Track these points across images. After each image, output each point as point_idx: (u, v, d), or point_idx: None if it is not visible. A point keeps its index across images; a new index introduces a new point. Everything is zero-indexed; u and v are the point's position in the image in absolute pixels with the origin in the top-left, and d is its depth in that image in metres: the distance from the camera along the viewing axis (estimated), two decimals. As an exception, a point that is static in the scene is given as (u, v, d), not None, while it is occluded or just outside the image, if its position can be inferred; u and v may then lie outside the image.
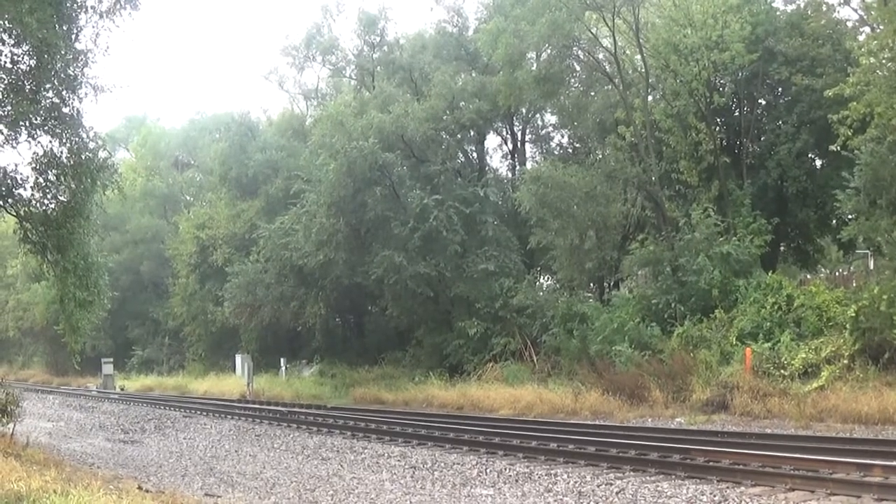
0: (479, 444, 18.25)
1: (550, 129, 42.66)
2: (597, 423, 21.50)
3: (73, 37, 18.14)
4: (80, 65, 18.18)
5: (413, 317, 35.98)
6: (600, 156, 34.86)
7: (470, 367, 31.52)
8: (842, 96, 22.81)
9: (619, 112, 30.77)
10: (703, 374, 22.31)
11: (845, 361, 20.23)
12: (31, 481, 10.57)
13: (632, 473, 14.02)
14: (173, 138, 68.14)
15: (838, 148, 23.35)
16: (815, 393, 19.48)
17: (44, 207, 19.08)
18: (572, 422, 21.85)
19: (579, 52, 31.87)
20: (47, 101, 18.26)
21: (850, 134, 23.04)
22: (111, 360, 53.70)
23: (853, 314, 20.57)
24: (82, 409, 36.90)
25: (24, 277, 60.06)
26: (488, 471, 15.32)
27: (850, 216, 25.09)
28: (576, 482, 13.56)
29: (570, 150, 40.16)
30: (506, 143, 42.70)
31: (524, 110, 39.07)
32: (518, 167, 40.17)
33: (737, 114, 31.39)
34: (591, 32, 30.50)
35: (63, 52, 17.45)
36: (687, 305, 25.60)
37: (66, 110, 18.33)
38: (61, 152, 18.52)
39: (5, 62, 17.96)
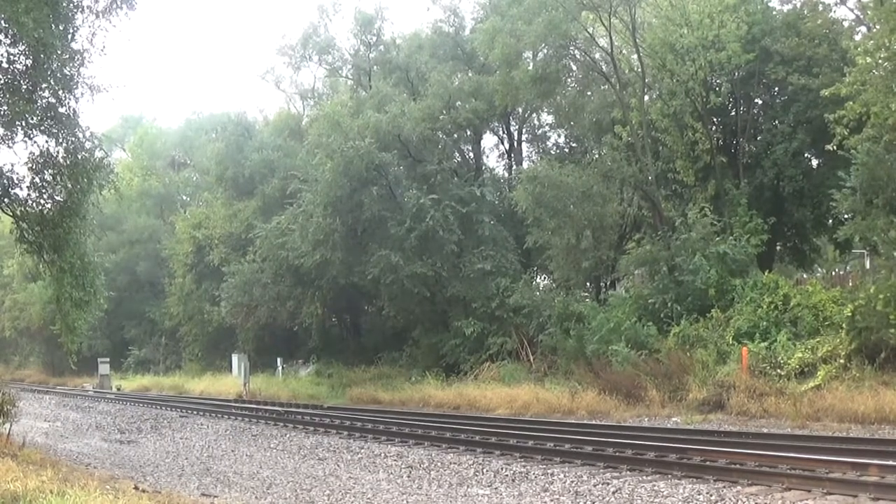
0: (476, 443, 18.26)
1: (547, 128, 42.72)
2: (593, 422, 21.51)
3: (70, 36, 18.12)
4: (76, 64, 18.17)
5: (409, 316, 35.98)
6: (597, 155, 34.90)
7: (466, 367, 31.53)
8: (838, 96, 22.82)
9: (615, 112, 30.77)
10: (700, 373, 22.33)
11: (842, 361, 20.26)
12: (28, 481, 10.55)
13: (628, 473, 14.02)
14: (170, 138, 68.13)
15: (835, 147, 23.37)
16: (812, 392, 19.50)
17: (40, 207, 19.08)
18: (569, 421, 21.85)
19: (576, 51, 31.87)
20: (43, 100, 18.26)
21: (846, 133, 23.05)
22: (108, 360, 53.69)
23: (849, 314, 20.59)
24: (79, 409, 36.87)
25: (20, 277, 59.93)
26: (485, 470, 15.32)
27: (846, 216, 25.09)
28: (572, 482, 13.57)
29: (567, 150, 40.21)
30: (502, 143, 42.75)
31: (520, 110, 39.06)
32: (514, 167, 40.21)
33: (733, 113, 31.44)
34: (588, 32, 30.52)
35: (59, 52, 17.44)
36: (683, 305, 25.61)
37: (62, 110, 18.32)
38: (57, 152, 18.53)
39: (1, 62, 17.95)
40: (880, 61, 22.60)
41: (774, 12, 30.46)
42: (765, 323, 23.04)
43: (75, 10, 18.10)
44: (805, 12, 29.33)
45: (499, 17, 32.29)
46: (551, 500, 12.54)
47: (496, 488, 13.79)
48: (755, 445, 15.24)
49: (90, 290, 19.11)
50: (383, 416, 25.13)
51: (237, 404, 32.98)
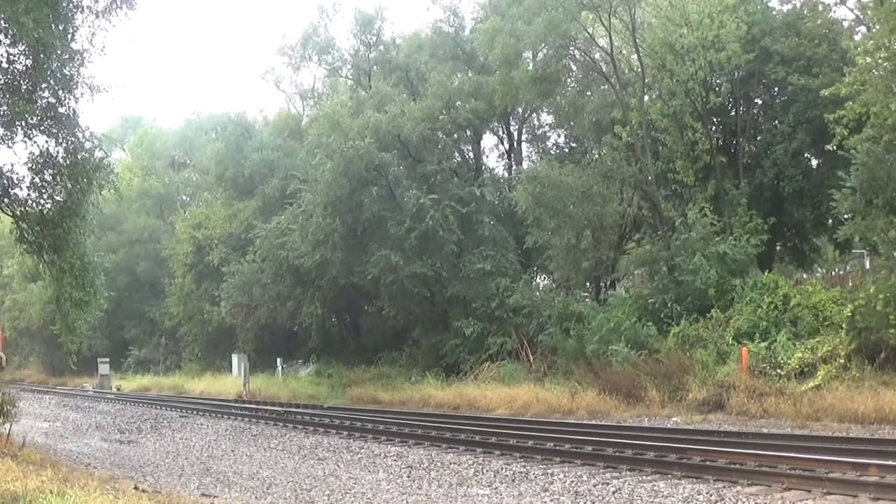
0: (476, 443, 18.25)
1: (547, 128, 42.73)
2: (593, 422, 21.51)
3: (70, 36, 18.10)
4: (76, 64, 18.16)
5: (409, 316, 35.98)
6: (597, 155, 34.89)
7: (466, 367, 31.53)
8: (838, 96, 22.83)
9: (615, 112, 30.77)
10: (700, 373, 22.33)
11: (841, 361, 20.26)
12: (28, 481, 10.54)
13: (628, 473, 14.02)
14: (169, 138, 68.18)
15: (834, 147, 23.38)
16: (812, 392, 19.50)
17: (40, 207, 19.06)
18: (569, 421, 21.85)
19: (576, 51, 31.87)
20: (43, 100, 18.24)
21: (846, 133, 23.05)
22: (108, 360, 53.69)
23: (849, 314, 20.59)
24: (79, 409, 36.85)
25: (20, 277, 59.95)
26: (485, 470, 15.32)
27: (846, 216, 25.10)
28: (572, 482, 13.56)
29: (567, 150, 40.21)
30: (502, 143, 42.75)
31: (520, 110, 39.07)
32: (514, 167, 40.21)
33: (733, 113, 31.43)
34: (588, 32, 30.52)
35: (59, 52, 17.43)
36: (683, 305, 25.61)
37: (62, 110, 18.30)
38: (57, 152, 18.51)
39: (1, 62, 17.94)
40: (880, 61, 22.61)
41: (774, 12, 30.47)
42: (765, 323, 23.04)
43: (75, 10, 18.08)
44: (805, 12, 29.33)
45: (499, 17, 32.29)
46: (551, 500, 12.53)
47: (496, 488, 13.79)
48: (755, 445, 15.23)
49: (90, 290, 19.08)
50: (383, 416, 25.13)
51: (237, 404, 32.97)
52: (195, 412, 31.44)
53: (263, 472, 16.79)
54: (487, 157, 43.92)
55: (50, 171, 18.62)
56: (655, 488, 12.61)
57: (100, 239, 30.17)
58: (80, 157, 18.31)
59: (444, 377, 31.39)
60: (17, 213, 19.10)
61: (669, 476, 13.38)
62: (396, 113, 34.21)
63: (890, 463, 12.36)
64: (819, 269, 35.51)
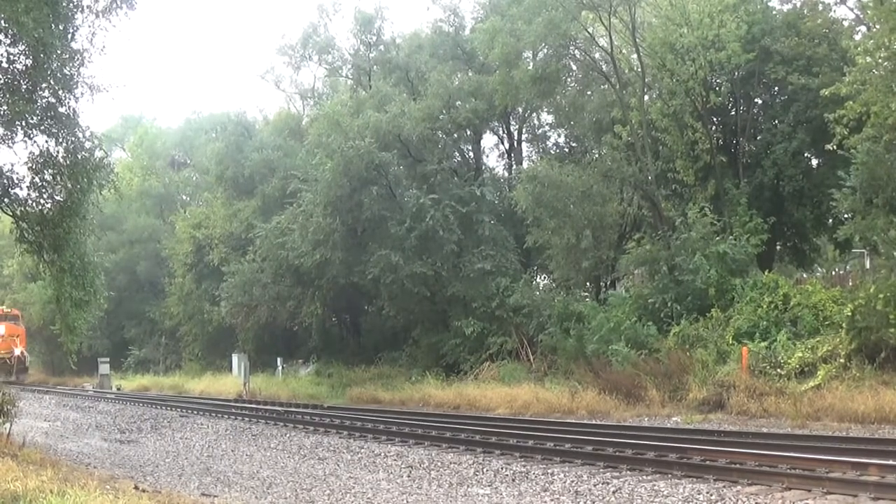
0: (476, 443, 18.23)
1: (547, 128, 42.78)
2: (593, 422, 21.50)
3: (70, 36, 18.08)
4: (76, 64, 18.13)
5: (410, 316, 35.98)
6: (597, 155, 34.94)
7: (466, 367, 31.53)
8: (838, 95, 22.84)
9: (615, 111, 30.78)
10: (700, 373, 22.33)
11: (842, 360, 20.25)
12: (28, 481, 10.54)
13: (628, 472, 14.00)
14: (169, 138, 68.17)
15: (834, 147, 23.40)
16: (812, 392, 19.50)
17: (40, 207, 19.03)
18: (569, 421, 21.84)
19: (576, 51, 31.91)
20: (43, 100, 18.22)
21: (846, 133, 23.07)
22: (108, 359, 53.60)
23: (849, 313, 20.58)
24: (79, 408, 36.81)
25: (20, 277, 59.96)
26: (485, 470, 15.31)
27: (846, 215, 25.12)
28: (572, 481, 13.56)
29: (567, 150, 40.24)
30: (502, 143, 42.77)
31: (520, 109, 39.07)
32: (514, 166, 40.22)
33: (733, 113, 31.46)
34: (588, 32, 30.55)
35: (59, 52, 17.41)
36: (683, 305, 25.62)
37: (62, 110, 18.28)
38: (57, 152, 18.49)
39: (1, 62, 17.92)
40: (880, 61, 22.63)
41: (774, 12, 30.50)
42: (765, 322, 23.04)
43: (75, 10, 18.06)
44: (805, 12, 29.36)
45: (499, 17, 32.33)
46: (551, 500, 12.53)
47: (496, 488, 13.78)
48: (755, 445, 15.23)
49: (90, 289, 19.06)
50: (383, 416, 25.11)
51: (237, 404, 32.94)
52: (195, 412, 31.42)
53: (263, 472, 16.78)
54: (487, 156, 44.01)
55: (50, 170, 18.59)
56: (655, 488, 12.60)
57: (100, 239, 30.17)
58: (80, 156, 18.29)
59: (444, 377, 31.38)
60: (18, 212, 19.09)
61: (669, 476, 13.36)
62: (396, 113, 34.20)
63: (890, 463, 12.36)
64: (819, 269, 35.49)
